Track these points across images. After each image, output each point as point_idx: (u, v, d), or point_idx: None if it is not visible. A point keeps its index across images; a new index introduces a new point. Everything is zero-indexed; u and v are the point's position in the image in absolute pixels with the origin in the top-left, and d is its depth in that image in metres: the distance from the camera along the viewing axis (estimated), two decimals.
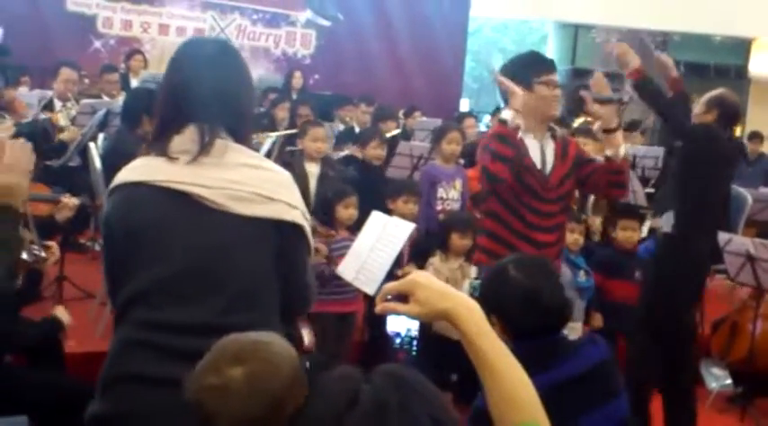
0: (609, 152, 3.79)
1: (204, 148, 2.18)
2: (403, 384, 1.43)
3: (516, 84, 3.69)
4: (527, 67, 3.79)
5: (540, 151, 3.79)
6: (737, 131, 15.72)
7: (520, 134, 3.68)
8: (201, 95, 2.22)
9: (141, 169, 2.21)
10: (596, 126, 3.87)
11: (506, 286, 2.58)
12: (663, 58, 4.92)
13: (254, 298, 2.19)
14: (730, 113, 4.77)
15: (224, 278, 2.15)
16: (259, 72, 12.44)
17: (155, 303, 2.14)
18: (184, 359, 2.02)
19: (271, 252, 2.21)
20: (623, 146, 3.80)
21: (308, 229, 2.29)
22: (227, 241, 2.16)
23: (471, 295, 3.22)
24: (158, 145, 2.22)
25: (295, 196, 2.27)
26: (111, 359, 2.19)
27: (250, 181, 2.19)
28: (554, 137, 3.89)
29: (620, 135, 3.80)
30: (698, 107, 4.81)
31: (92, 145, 5.73)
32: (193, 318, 2.12)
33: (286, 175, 2.32)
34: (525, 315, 2.52)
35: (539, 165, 3.77)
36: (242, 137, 2.29)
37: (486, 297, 2.63)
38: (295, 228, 2.24)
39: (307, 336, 3.96)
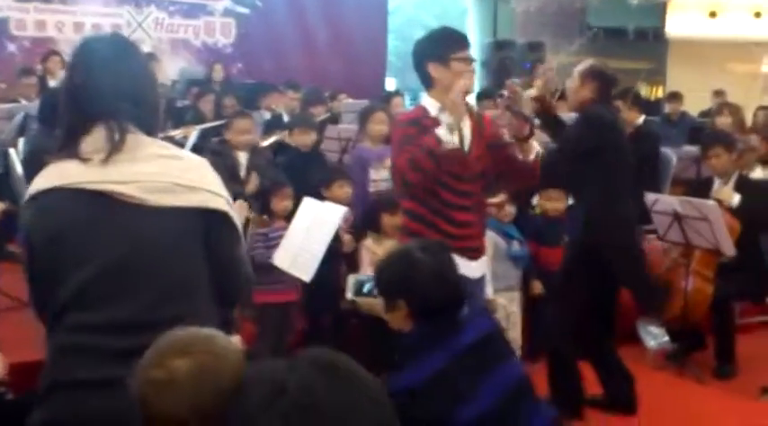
0: (520, 157, 3.88)
1: (116, 145, 2.15)
2: (331, 368, 1.43)
3: (431, 61, 3.74)
4: (443, 44, 3.79)
5: (456, 129, 3.77)
6: (659, 92, 16.03)
7: (435, 113, 3.72)
8: (104, 93, 2.19)
9: (54, 175, 2.18)
10: (506, 135, 3.93)
11: (414, 268, 2.71)
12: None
13: (183, 290, 2.17)
14: (604, 80, 4.76)
15: (149, 272, 2.14)
16: (180, 64, 12.30)
17: (84, 305, 2.12)
18: (118, 359, 2.03)
19: (198, 241, 2.20)
20: (535, 151, 3.88)
21: (234, 216, 2.28)
22: (149, 235, 2.14)
23: (357, 292, 3.29)
24: (68, 148, 2.19)
25: (216, 182, 2.27)
26: (47, 367, 2.17)
27: (167, 171, 2.18)
28: (470, 113, 3.90)
29: (533, 142, 3.90)
30: (571, 81, 4.81)
31: (11, 150, 5.61)
32: (122, 316, 2.10)
33: (204, 163, 2.31)
34: (435, 293, 2.68)
35: (457, 144, 3.75)
36: (152, 129, 2.28)
37: (393, 281, 2.77)
38: (220, 215, 2.23)
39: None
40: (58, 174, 2.17)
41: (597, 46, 15.44)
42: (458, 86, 3.66)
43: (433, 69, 3.76)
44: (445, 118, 3.70)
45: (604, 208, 4.65)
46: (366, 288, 3.25)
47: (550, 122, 4.73)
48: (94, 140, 2.17)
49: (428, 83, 3.81)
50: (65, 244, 2.13)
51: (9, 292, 5.64)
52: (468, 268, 3.73)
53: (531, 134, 3.90)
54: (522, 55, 14.26)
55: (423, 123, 3.71)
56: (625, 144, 4.82)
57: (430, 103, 3.79)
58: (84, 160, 2.15)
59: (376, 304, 1.99)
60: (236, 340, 3.40)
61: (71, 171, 2.15)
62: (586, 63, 4.81)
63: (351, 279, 3.49)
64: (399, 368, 2.64)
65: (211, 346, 1.73)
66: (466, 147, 3.80)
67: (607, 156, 4.58)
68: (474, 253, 3.86)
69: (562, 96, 8.77)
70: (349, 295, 3.39)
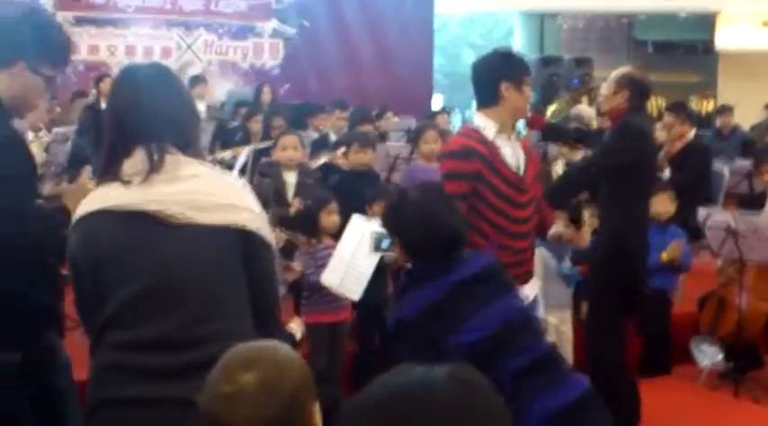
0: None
1: (155, 166, 2.22)
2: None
3: (505, 79, 3.67)
4: (518, 66, 3.75)
5: (513, 152, 3.70)
6: (710, 105, 15.84)
7: (492, 136, 3.64)
8: (144, 117, 2.27)
9: (97, 198, 2.25)
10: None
11: (405, 208, 2.89)
12: None
13: (222, 307, 2.22)
14: (641, 89, 4.70)
15: (190, 289, 2.19)
16: (228, 86, 12.43)
17: (125, 323, 2.17)
18: (160, 377, 2.12)
19: (235, 259, 2.25)
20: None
21: (268, 235, 2.33)
22: (188, 252, 2.20)
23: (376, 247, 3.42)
24: (110, 171, 2.26)
25: (252, 201, 2.33)
26: (90, 385, 2.24)
27: (206, 190, 2.24)
28: (519, 135, 3.86)
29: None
30: (605, 87, 4.75)
31: None
32: (163, 333, 2.15)
33: (241, 182, 2.42)
34: (423, 233, 2.81)
35: (514, 168, 3.68)
36: (191, 151, 2.34)
37: (389, 220, 2.99)
38: (256, 234, 2.28)
39: (297, 330, 3.91)
40: (100, 197, 2.24)
41: (646, 60, 15.34)
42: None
43: (506, 88, 3.65)
44: (502, 140, 3.65)
45: (635, 220, 4.62)
46: (384, 244, 3.39)
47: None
48: (135, 163, 2.24)
49: (493, 100, 3.68)
50: (108, 265, 2.19)
51: (66, 313, 5.71)
52: (521, 293, 3.69)
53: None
54: (570, 71, 14.20)
55: (478, 152, 3.58)
56: (655, 155, 4.80)
57: (487, 124, 3.66)
58: (125, 182, 2.22)
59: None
60: (298, 324, 3.44)
61: (113, 193, 2.22)
62: (622, 70, 4.75)
63: (372, 235, 3.55)
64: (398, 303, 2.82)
65: (276, 358, 1.79)
66: (521, 171, 3.73)
67: (643, 168, 4.55)
68: (526, 277, 3.83)
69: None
70: (369, 250, 3.54)
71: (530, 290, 3.86)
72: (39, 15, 2.78)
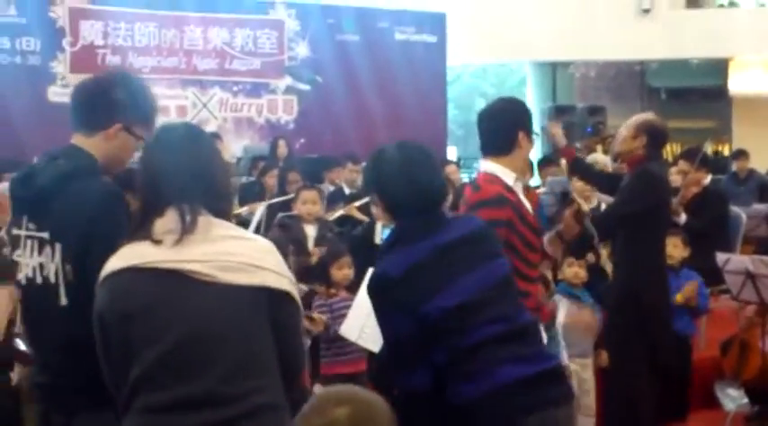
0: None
1: (188, 227, 2.23)
2: None
3: (522, 129, 3.64)
4: (531, 118, 3.72)
5: (525, 198, 3.67)
6: (725, 150, 15.84)
7: (512, 182, 3.58)
8: (177, 178, 2.29)
9: (128, 255, 2.25)
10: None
11: (384, 163, 2.85)
12: (552, 129, 4.96)
13: (253, 365, 2.22)
14: (658, 137, 4.74)
15: (218, 347, 2.18)
16: (244, 142, 12.51)
17: (156, 382, 2.17)
18: None
19: (265, 318, 2.26)
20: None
21: (297, 297, 2.34)
22: (217, 310, 2.20)
23: None
24: (142, 230, 2.27)
25: (280, 263, 2.34)
26: None
27: (236, 251, 2.25)
28: (527, 187, 3.83)
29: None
30: (624, 130, 4.78)
31: None
32: (194, 393, 2.15)
33: (270, 244, 2.39)
34: (402, 191, 2.77)
35: (532, 213, 3.67)
36: (222, 212, 2.36)
37: (368, 177, 3.00)
38: (285, 296, 2.30)
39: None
40: (132, 255, 2.24)
41: (659, 107, 15.39)
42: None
43: (522, 137, 3.62)
44: (519, 188, 3.63)
45: (650, 265, 4.61)
46: None
47: (581, 164, 4.93)
48: (166, 222, 2.25)
49: (509, 148, 3.61)
50: (137, 322, 2.19)
51: None
52: None
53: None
54: (583, 119, 14.26)
55: (507, 197, 3.52)
56: (670, 200, 4.82)
57: (503, 172, 3.59)
58: (156, 242, 2.23)
59: None
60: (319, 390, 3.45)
61: (144, 251, 2.23)
62: (642, 116, 4.82)
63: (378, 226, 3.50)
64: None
65: (369, 399, 1.88)
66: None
67: (660, 214, 4.56)
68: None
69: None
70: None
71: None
72: (130, 79, 2.87)
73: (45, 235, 2.62)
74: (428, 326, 2.64)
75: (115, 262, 2.25)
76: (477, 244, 2.83)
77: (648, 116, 4.85)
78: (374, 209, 6.23)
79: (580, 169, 5.32)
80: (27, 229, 2.68)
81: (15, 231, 2.72)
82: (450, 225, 2.84)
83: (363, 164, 9.24)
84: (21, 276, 2.69)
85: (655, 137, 4.68)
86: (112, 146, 2.73)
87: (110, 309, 2.23)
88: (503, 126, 3.63)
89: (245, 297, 2.22)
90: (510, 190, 3.55)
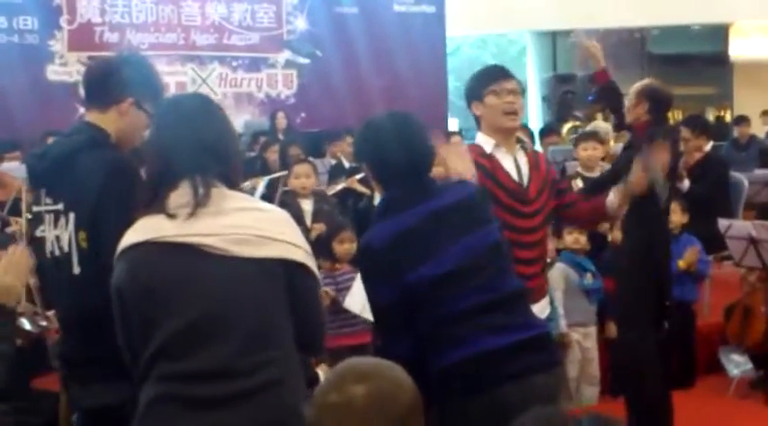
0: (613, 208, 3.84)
1: (201, 200, 2.22)
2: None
3: (472, 101, 3.68)
4: (478, 82, 3.71)
5: (513, 164, 3.66)
6: (726, 116, 15.80)
7: (490, 149, 3.63)
8: (188, 150, 2.27)
9: (142, 229, 2.25)
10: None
11: (372, 130, 2.85)
12: (591, 50, 4.88)
13: (267, 338, 2.23)
14: (661, 101, 4.72)
15: (236, 320, 2.20)
16: (245, 117, 12.50)
17: (174, 354, 2.19)
18: (208, 407, 2.14)
19: (280, 290, 2.27)
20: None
21: (313, 267, 2.34)
22: (234, 284, 2.21)
23: None
24: (155, 203, 2.26)
25: (296, 234, 2.33)
26: (139, 417, 2.24)
27: (250, 223, 2.25)
28: (524, 148, 3.78)
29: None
30: (627, 100, 4.79)
31: None
32: (210, 363, 2.17)
33: (285, 215, 2.39)
34: (391, 158, 2.75)
35: (516, 178, 3.65)
36: (234, 183, 2.36)
37: (357, 148, 3.01)
38: (300, 267, 2.30)
39: (323, 375, 3.96)
40: (147, 229, 2.24)
41: (660, 74, 15.33)
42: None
43: (475, 108, 3.70)
44: (500, 153, 3.64)
45: (656, 231, 4.60)
46: None
47: (612, 87, 4.81)
48: (180, 196, 2.24)
49: (477, 123, 3.75)
50: (155, 296, 2.20)
51: None
52: None
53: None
54: (584, 88, 14.21)
55: (480, 162, 3.59)
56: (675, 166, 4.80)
57: (484, 140, 3.69)
58: (171, 215, 2.23)
59: None
60: (324, 372, 3.48)
61: (159, 225, 2.23)
62: (642, 82, 4.80)
63: None
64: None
65: (390, 374, 1.77)
66: (525, 183, 3.68)
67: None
68: (535, 295, 3.76)
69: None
70: None
71: (539, 310, 3.78)
72: (137, 57, 2.95)
73: (60, 206, 2.69)
74: (413, 295, 2.64)
75: (131, 236, 2.26)
76: (467, 211, 2.82)
77: (648, 81, 4.83)
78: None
79: (608, 96, 5.19)
80: (45, 204, 2.75)
81: (36, 208, 2.83)
82: (442, 191, 2.82)
83: None
84: (46, 252, 2.75)
85: (657, 101, 4.67)
86: (125, 122, 2.77)
87: (127, 283, 2.24)
88: (467, 103, 3.78)
89: (260, 270, 2.22)
90: (486, 156, 3.61)
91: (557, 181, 3.89)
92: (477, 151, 3.65)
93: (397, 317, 2.68)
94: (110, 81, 2.78)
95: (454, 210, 2.78)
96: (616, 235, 5.54)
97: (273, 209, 2.44)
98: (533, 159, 3.77)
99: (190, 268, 2.20)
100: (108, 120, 2.77)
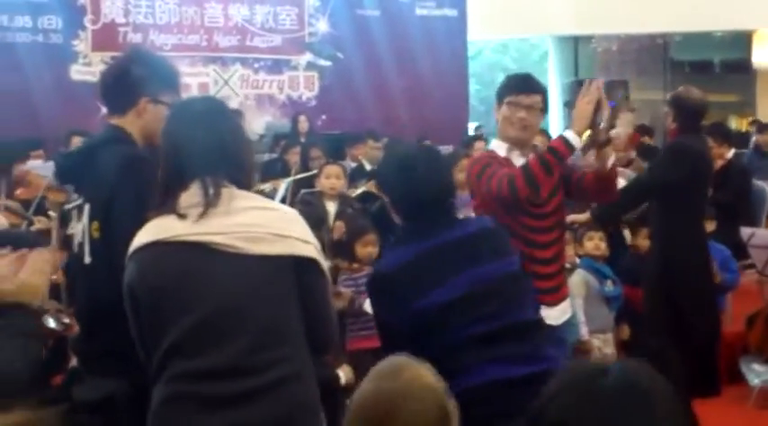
0: (598, 165, 3.69)
1: (211, 201, 2.26)
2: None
3: (497, 103, 3.79)
4: (503, 88, 3.81)
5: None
6: (745, 124, 15.70)
7: (505, 153, 3.74)
8: (199, 151, 2.31)
9: (154, 229, 2.29)
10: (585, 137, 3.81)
11: (390, 165, 2.89)
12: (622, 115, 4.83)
13: (279, 335, 2.26)
14: (687, 108, 4.69)
15: (247, 318, 2.22)
16: (266, 119, 12.52)
17: (187, 353, 2.21)
18: (222, 405, 2.16)
19: (290, 288, 2.29)
20: (612, 157, 3.74)
21: (323, 264, 2.37)
22: (245, 282, 2.24)
23: None
24: (167, 204, 2.30)
25: (306, 231, 2.36)
26: (152, 416, 2.26)
27: (260, 221, 2.28)
28: (536, 151, 3.85)
29: (610, 148, 3.77)
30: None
31: None
32: (223, 361, 2.19)
33: (293, 212, 2.44)
34: (407, 192, 2.76)
35: None
36: (245, 184, 2.39)
37: (383, 176, 2.99)
38: (310, 263, 2.32)
39: (344, 376, 3.98)
40: (158, 229, 2.28)
41: (682, 80, 15.26)
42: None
43: (495, 111, 3.84)
44: (515, 156, 3.74)
45: (684, 236, 4.57)
46: None
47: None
48: (190, 196, 2.28)
49: (496, 123, 3.89)
50: (165, 297, 2.23)
51: None
52: (549, 315, 3.65)
53: (609, 141, 3.71)
54: (606, 93, 14.15)
55: (498, 161, 3.72)
56: (709, 176, 4.75)
57: (497, 145, 3.82)
58: (181, 216, 2.26)
59: None
60: (343, 373, 3.50)
61: (170, 225, 2.26)
62: (674, 92, 4.80)
63: None
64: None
65: (420, 372, 1.91)
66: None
67: (692, 186, 4.52)
68: (555, 295, 3.79)
69: (647, 132, 8.69)
70: None
71: (559, 313, 3.80)
72: (142, 53, 3.03)
73: (81, 200, 2.77)
74: (421, 321, 2.64)
75: (143, 237, 2.29)
76: (484, 243, 2.81)
77: (678, 90, 4.82)
78: None
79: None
80: (72, 201, 2.85)
81: (66, 207, 2.93)
82: (460, 223, 2.85)
83: (384, 140, 9.28)
84: (74, 247, 2.80)
85: (683, 109, 4.66)
86: (145, 120, 2.83)
87: (139, 283, 2.27)
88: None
89: (271, 267, 2.25)
90: (497, 159, 3.72)
91: (569, 170, 3.89)
92: (491, 156, 3.77)
93: (405, 343, 2.60)
94: (121, 86, 2.85)
95: (470, 241, 2.79)
96: (641, 243, 5.53)
97: (283, 208, 2.50)
98: None
99: (201, 266, 2.23)
100: (129, 123, 2.84)
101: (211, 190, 2.27)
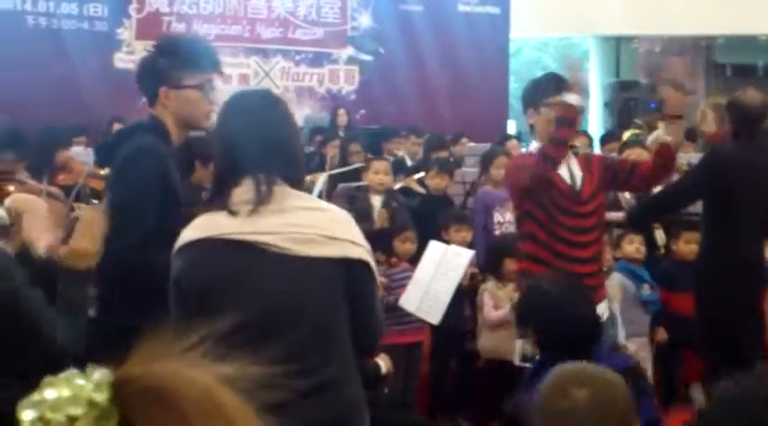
0: (669, 138, 3.72)
1: (263, 198, 2.23)
2: None
3: (528, 108, 3.84)
4: (537, 91, 3.83)
5: (567, 169, 3.79)
6: None
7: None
8: (253, 147, 2.29)
9: (204, 226, 2.28)
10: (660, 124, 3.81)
11: (537, 296, 2.82)
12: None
13: (326, 338, 2.25)
14: (730, 115, 4.61)
15: (294, 319, 2.21)
16: (305, 111, 12.57)
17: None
18: (267, 410, 2.11)
19: (340, 290, 2.27)
20: (681, 134, 3.77)
21: (373, 265, 2.34)
22: (294, 284, 2.22)
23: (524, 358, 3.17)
24: (218, 199, 2.29)
25: (357, 233, 2.33)
26: None
27: (311, 222, 2.26)
28: (576, 153, 3.90)
29: (682, 123, 3.77)
30: (707, 124, 4.70)
31: None
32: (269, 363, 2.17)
33: (345, 214, 2.40)
34: (552, 326, 2.70)
35: (569, 182, 3.78)
36: (297, 182, 2.37)
37: (522, 310, 2.91)
38: (361, 265, 2.30)
39: (384, 364, 3.99)
40: (207, 226, 2.27)
41: (724, 83, 15.11)
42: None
43: (531, 116, 3.85)
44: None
45: (721, 252, 4.48)
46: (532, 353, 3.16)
47: None
48: (242, 192, 2.25)
49: (531, 129, 3.92)
50: (214, 293, 2.21)
51: None
52: None
53: (681, 116, 3.74)
54: (647, 95, 14.06)
55: (530, 165, 3.76)
56: (753, 183, 4.57)
57: (537, 148, 3.85)
58: (233, 212, 2.24)
59: None
60: (383, 362, 3.47)
61: (220, 222, 2.25)
62: (730, 96, 4.70)
63: (518, 344, 3.43)
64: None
65: (606, 378, 1.90)
66: (578, 185, 3.80)
67: (730, 198, 4.43)
68: (592, 293, 3.80)
69: (691, 136, 8.60)
70: (517, 360, 3.26)
71: (601, 310, 3.82)
72: (168, 39, 3.15)
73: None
74: None
75: (191, 233, 2.28)
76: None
77: (736, 94, 4.69)
78: (431, 181, 6.29)
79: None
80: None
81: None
82: (602, 362, 2.66)
83: (426, 136, 9.28)
84: None
85: (730, 114, 4.58)
86: (173, 110, 2.93)
87: (188, 280, 2.26)
88: (523, 109, 3.92)
89: (320, 269, 2.23)
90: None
91: (616, 163, 3.89)
92: (530, 156, 3.84)
93: None
94: (145, 79, 2.98)
95: None
96: (681, 248, 5.44)
97: (334, 209, 2.44)
98: (585, 163, 3.83)
99: (250, 265, 2.22)
100: (160, 114, 2.95)
101: (264, 188, 2.24)
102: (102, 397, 0.82)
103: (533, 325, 2.78)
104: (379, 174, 5.91)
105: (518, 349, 3.20)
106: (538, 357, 2.80)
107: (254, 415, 0.92)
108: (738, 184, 4.43)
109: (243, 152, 2.29)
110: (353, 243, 2.29)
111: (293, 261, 2.21)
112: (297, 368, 2.16)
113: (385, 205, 5.86)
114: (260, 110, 2.37)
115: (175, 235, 2.35)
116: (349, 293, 2.29)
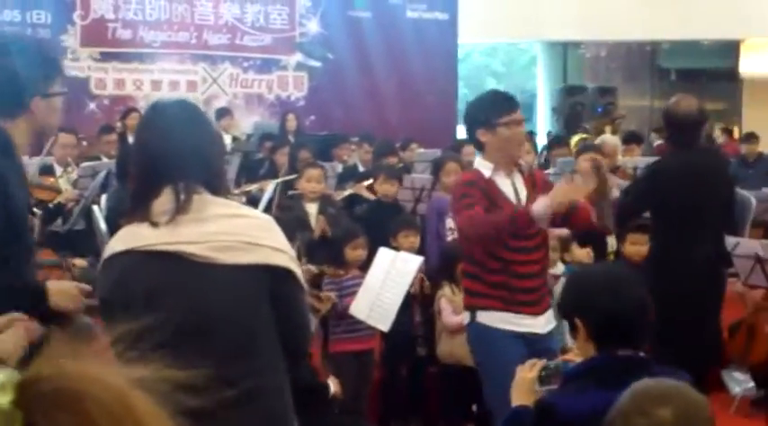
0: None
1: (181, 207, 2.20)
2: None
3: (479, 127, 3.77)
4: (489, 109, 3.77)
5: (512, 187, 3.79)
6: (736, 133, 15.79)
7: (489, 174, 3.75)
8: (172, 156, 2.26)
9: (126, 237, 2.25)
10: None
11: (585, 281, 2.59)
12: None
13: (252, 346, 2.23)
14: (673, 125, 4.71)
15: (219, 328, 2.19)
16: (254, 118, 12.52)
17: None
18: (193, 419, 2.07)
19: (264, 297, 2.25)
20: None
21: (297, 272, 2.32)
22: (218, 293, 2.20)
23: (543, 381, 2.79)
24: (139, 211, 2.25)
25: (279, 239, 2.30)
26: None
27: (231, 230, 2.23)
28: (520, 170, 3.88)
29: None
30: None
31: (95, 207, 5.76)
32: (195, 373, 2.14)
33: (267, 219, 2.37)
34: (610, 306, 2.39)
35: (514, 201, 3.75)
36: (218, 189, 2.33)
37: (568, 297, 2.57)
38: (284, 272, 2.27)
39: (333, 385, 3.98)
40: (130, 237, 2.24)
41: (669, 88, 15.34)
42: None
43: (482, 135, 3.78)
44: (499, 178, 3.76)
45: (664, 251, 4.58)
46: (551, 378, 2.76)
47: None
48: (163, 202, 2.22)
49: (479, 147, 3.88)
50: (138, 307, 2.18)
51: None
52: (535, 324, 3.75)
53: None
54: (594, 100, 14.23)
55: (479, 185, 3.74)
56: (696, 190, 4.64)
57: (483, 165, 3.81)
58: (154, 223, 2.21)
59: None
60: (332, 384, 3.41)
61: (143, 233, 2.22)
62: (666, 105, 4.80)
63: (537, 365, 3.28)
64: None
65: (688, 393, 1.85)
66: (522, 203, 3.76)
67: (666, 207, 4.54)
68: (538, 307, 3.81)
69: (627, 140, 8.72)
70: (537, 386, 2.85)
71: (544, 322, 3.83)
72: (21, 44, 2.79)
73: None
74: None
75: (114, 245, 2.26)
76: None
77: (669, 102, 4.80)
78: (379, 187, 6.28)
79: None
80: None
81: None
82: (657, 374, 2.27)
83: (376, 142, 9.27)
84: None
85: (668, 124, 4.68)
86: (39, 119, 2.67)
87: (113, 293, 2.24)
88: (466, 130, 3.90)
89: (244, 277, 2.21)
90: (485, 180, 3.75)
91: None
92: (477, 176, 3.78)
93: None
94: (11, 92, 2.63)
95: None
96: (628, 249, 5.47)
97: (257, 215, 2.43)
98: (530, 180, 3.85)
99: (172, 277, 2.19)
100: (13, 124, 2.64)
101: (182, 196, 2.21)
102: (4, 399, 0.79)
103: (581, 313, 2.45)
104: (311, 182, 5.90)
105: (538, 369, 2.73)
106: (556, 386, 2.49)
107: (168, 420, 0.88)
108: (679, 194, 4.53)
109: (162, 161, 2.25)
110: (276, 249, 2.26)
111: (215, 270, 2.19)
112: (221, 375, 2.14)
113: (321, 212, 5.85)
114: (177, 119, 2.34)
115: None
116: (273, 299, 2.26)
